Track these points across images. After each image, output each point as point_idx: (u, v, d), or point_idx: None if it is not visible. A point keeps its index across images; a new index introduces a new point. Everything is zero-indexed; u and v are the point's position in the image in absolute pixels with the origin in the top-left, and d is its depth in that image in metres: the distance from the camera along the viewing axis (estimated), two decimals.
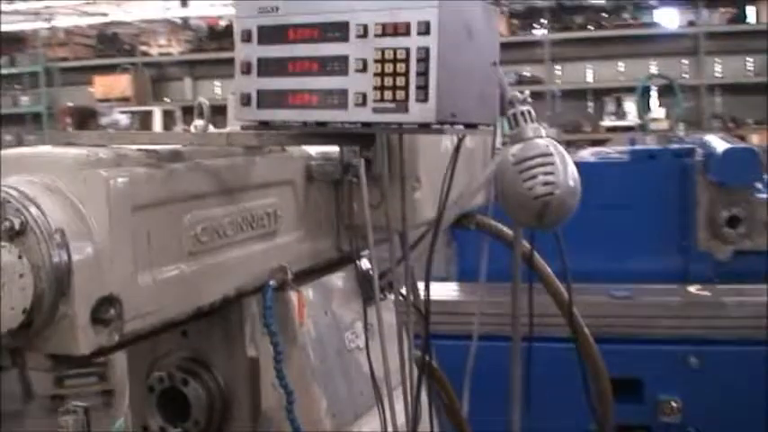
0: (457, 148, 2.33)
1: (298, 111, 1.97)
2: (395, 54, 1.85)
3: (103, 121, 18.48)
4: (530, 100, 2.30)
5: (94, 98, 21.00)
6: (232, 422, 2.26)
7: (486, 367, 3.22)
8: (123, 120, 18.82)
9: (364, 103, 1.89)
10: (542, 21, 20.53)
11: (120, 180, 1.78)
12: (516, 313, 2.85)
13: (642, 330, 4.98)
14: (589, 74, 20.31)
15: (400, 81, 1.85)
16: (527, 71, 19.90)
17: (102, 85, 21.29)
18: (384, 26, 1.86)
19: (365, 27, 1.88)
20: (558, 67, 20.42)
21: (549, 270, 3.10)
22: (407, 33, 1.84)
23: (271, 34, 1.99)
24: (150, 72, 22.19)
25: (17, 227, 1.61)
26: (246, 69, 2.01)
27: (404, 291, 2.53)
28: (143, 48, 22.54)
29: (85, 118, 18.79)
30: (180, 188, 1.96)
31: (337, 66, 1.91)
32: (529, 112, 2.25)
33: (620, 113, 19.35)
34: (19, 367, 1.73)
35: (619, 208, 5.56)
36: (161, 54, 22.45)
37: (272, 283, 2.15)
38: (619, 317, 4.98)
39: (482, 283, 3.00)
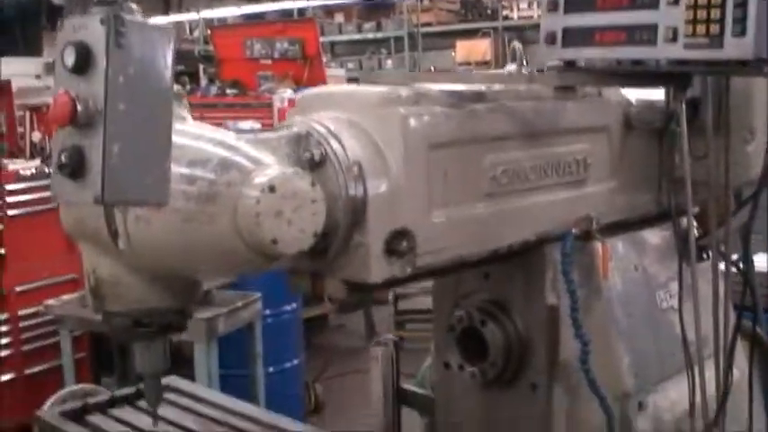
0: None
1: (603, 48, 1.87)
2: None
3: None
4: None
5: (455, 61, 21.71)
6: (529, 369, 2.24)
7: None
8: None
9: (675, 39, 1.74)
10: None
11: (417, 118, 1.82)
12: None
13: None
14: None
15: (715, 13, 1.68)
16: None
17: (464, 49, 21.93)
18: None
19: None
20: None
21: None
22: None
23: None
24: (510, 35, 22.44)
25: (317, 158, 1.71)
26: (553, 6, 1.94)
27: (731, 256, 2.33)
28: (505, 12, 22.84)
29: None
30: (480, 129, 1.95)
31: None
32: None
33: None
34: (318, 293, 1.84)
35: None
36: (521, 17, 22.61)
37: (574, 230, 2.08)
38: None
39: None
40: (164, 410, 2.60)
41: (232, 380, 5.67)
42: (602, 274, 2.17)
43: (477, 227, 1.94)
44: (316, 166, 1.72)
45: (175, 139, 1.55)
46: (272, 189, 1.59)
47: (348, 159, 1.74)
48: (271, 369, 6.36)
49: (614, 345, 2.18)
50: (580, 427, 2.20)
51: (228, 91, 11.08)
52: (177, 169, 1.61)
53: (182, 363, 4.57)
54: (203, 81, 13.49)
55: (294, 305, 6.72)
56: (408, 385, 2.76)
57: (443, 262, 1.90)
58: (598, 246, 2.17)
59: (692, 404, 2.22)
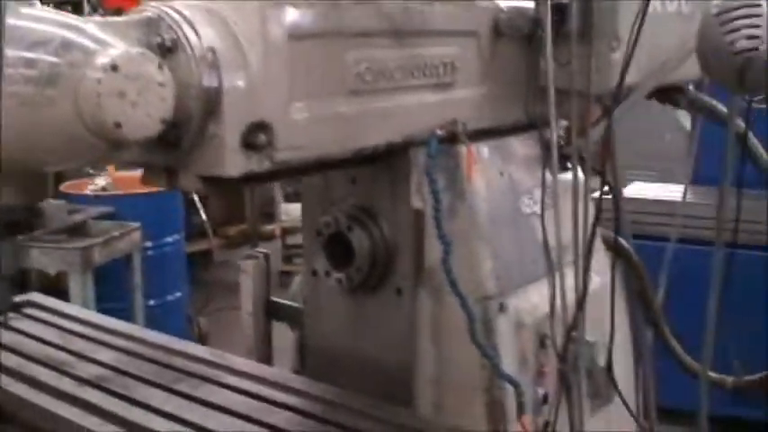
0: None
1: None
2: None
3: None
4: None
5: None
6: (394, 274, 2.24)
7: (685, 272, 3.04)
8: None
9: None
10: None
11: (277, 7, 1.76)
12: (722, 215, 2.55)
13: None
14: None
15: None
16: None
17: None
18: None
19: None
20: None
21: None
22: None
23: None
24: None
25: (168, 43, 1.64)
26: None
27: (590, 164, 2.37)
28: None
29: None
30: (345, 22, 1.91)
31: None
32: None
33: None
34: (173, 187, 1.78)
35: None
36: None
37: (439, 132, 2.08)
38: None
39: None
40: (22, 323, 2.52)
41: (111, 313, 5.54)
42: (467, 177, 2.17)
43: (340, 124, 1.91)
44: (167, 51, 1.64)
45: (17, 22, 1.47)
46: (114, 68, 1.51)
47: (202, 47, 1.67)
48: (152, 302, 6.27)
49: (477, 248, 2.20)
50: (444, 329, 2.22)
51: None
52: (17, 53, 1.52)
53: (57, 295, 4.39)
54: (87, 9, 12.97)
55: (176, 236, 6.62)
56: (278, 299, 2.74)
57: (304, 159, 1.86)
58: (463, 149, 2.17)
59: (552, 307, 2.27)
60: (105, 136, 1.54)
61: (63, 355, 2.24)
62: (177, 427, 1.81)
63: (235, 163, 1.71)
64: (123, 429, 1.80)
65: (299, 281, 2.83)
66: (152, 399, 1.97)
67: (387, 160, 2.17)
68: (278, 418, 1.87)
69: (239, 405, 1.94)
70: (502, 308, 2.21)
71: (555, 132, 2.28)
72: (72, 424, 1.84)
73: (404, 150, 2.16)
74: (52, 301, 2.71)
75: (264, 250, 2.70)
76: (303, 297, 2.52)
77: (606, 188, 2.38)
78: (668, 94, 2.80)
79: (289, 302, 2.72)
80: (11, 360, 2.20)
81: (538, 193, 2.38)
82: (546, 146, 2.34)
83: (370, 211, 2.24)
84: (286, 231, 8.49)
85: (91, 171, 6.64)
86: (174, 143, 1.69)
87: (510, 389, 2.15)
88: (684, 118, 7.57)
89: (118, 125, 1.52)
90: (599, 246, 2.59)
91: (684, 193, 3.29)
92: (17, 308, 2.62)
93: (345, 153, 1.97)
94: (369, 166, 2.21)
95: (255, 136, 1.73)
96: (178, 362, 2.23)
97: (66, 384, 2.05)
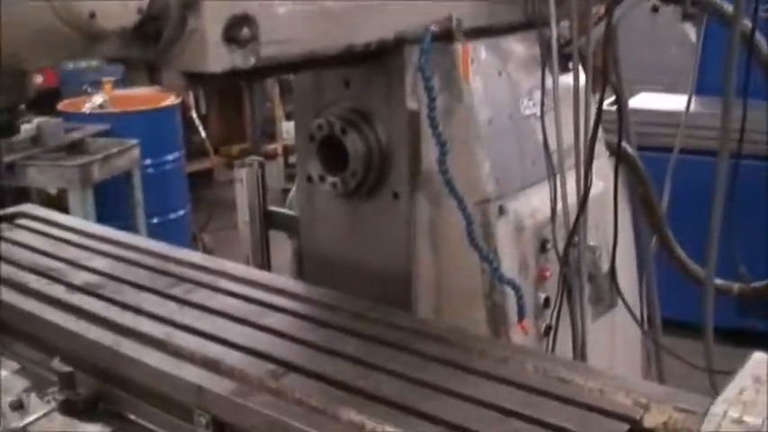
0: None
1: None
2: None
3: None
4: None
5: None
6: (390, 178, 2.18)
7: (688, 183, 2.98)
8: None
9: None
10: None
11: None
12: (727, 125, 2.48)
13: None
14: None
15: None
16: None
17: None
18: None
19: None
20: None
21: None
22: None
23: None
24: None
25: None
26: None
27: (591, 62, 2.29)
28: None
29: None
30: None
31: None
32: None
33: None
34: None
35: None
36: None
37: (432, 28, 1.99)
38: None
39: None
40: (13, 233, 2.48)
41: None
42: (463, 76, 2.10)
43: (327, 18, 1.83)
44: None
45: None
46: None
47: None
48: (155, 220, 6.25)
49: (475, 150, 2.13)
50: (443, 234, 2.17)
51: None
52: None
53: None
54: None
55: (176, 154, 6.56)
56: (275, 207, 2.70)
57: (291, 54, 1.78)
58: (459, 48, 2.09)
59: (553, 211, 2.22)
60: (80, 27, 1.47)
61: (55, 263, 2.20)
62: (168, 329, 1.77)
63: (218, 58, 1.64)
64: (112, 332, 1.77)
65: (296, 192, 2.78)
66: (144, 303, 1.93)
67: (381, 60, 2.09)
68: (273, 319, 1.84)
69: (234, 308, 1.91)
70: (501, 211, 2.16)
71: (555, 31, 2.20)
72: (59, 328, 1.81)
73: (398, 50, 2.08)
74: (44, 212, 2.66)
75: (258, 158, 2.64)
76: (298, 204, 2.47)
77: (609, 90, 2.31)
78: None
79: (286, 211, 2.68)
80: (2, 269, 2.16)
81: (538, 95, 2.30)
82: (546, 45, 2.26)
83: (365, 113, 2.17)
84: (288, 150, 8.42)
85: (88, 89, 6.56)
86: (154, 37, 1.61)
87: (510, 293, 2.11)
88: (691, 30, 7.41)
89: (92, 15, 1.44)
90: (602, 151, 2.53)
91: (688, 103, 3.22)
92: (10, 219, 2.58)
93: (334, 49, 1.89)
94: (362, 66, 2.13)
95: (238, 29, 1.65)
96: (173, 268, 2.19)
97: (58, 290, 2.02)
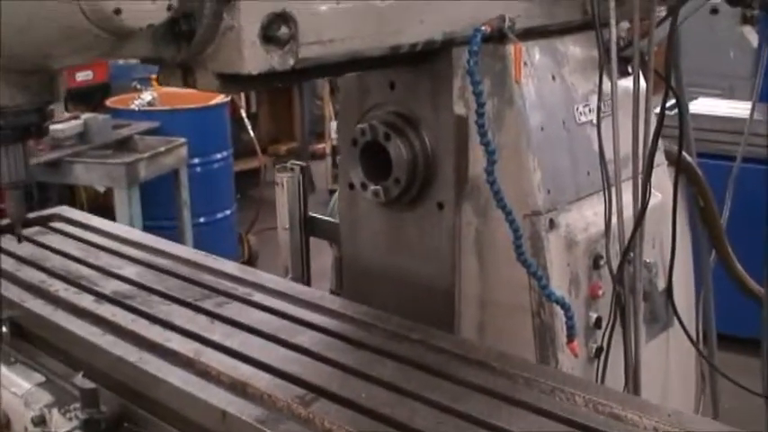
0: None
1: None
2: None
3: None
4: None
5: None
6: (435, 186, 2.08)
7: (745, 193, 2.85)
8: None
9: None
10: None
11: None
12: None
13: None
14: None
15: None
16: None
17: None
18: None
19: None
20: None
21: None
22: None
23: None
24: None
25: None
26: None
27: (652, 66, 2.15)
28: None
29: None
30: None
31: None
32: None
33: None
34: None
35: None
36: None
37: (483, 28, 1.88)
38: None
39: None
40: (46, 238, 2.42)
41: (159, 230, 5.52)
42: (515, 79, 1.98)
43: (371, 17, 1.72)
44: None
45: None
46: None
47: None
48: (202, 219, 6.23)
49: (525, 158, 2.01)
50: (489, 246, 2.06)
51: None
52: None
53: (104, 213, 4.34)
54: None
55: (224, 153, 6.53)
56: (316, 214, 2.60)
57: (333, 55, 1.68)
58: (511, 50, 1.98)
59: (607, 225, 2.10)
60: (106, 25, 1.38)
61: (86, 270, 2.13)
62: (196, 345, 1.68)
63: (255, 59, 1.55)
64: (138, 348, 1.69)
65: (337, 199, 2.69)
66: (174, 316, 1.85)
67: (428, 62, 1.99)
68: (305, 337, 1.74)
69: (266, 324, 1.82)
70: (552, 224, 2.04)
71: (614, 32, 2.07)
72: (84, 341, 1.74)
73: (446, 51, 1.97)
74: (79, 214, 2.60)
75: (300, 163, 2.54)
76: (339, 212, 2.37)
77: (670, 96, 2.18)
78: None
79: (327, 218, 2.59)
80: (31, 275, 2.10)
81: (594, 100, 2.17)
82: (604, 48, 2.13)
83: (410, 118, 2.07)
84: (336, 150, 8.34)
85: (137, 85, 6.55)
86: (187, 36, 1.53)
87: (560, 312, 1.99)
88: (751, 34, 7.21)
89: (117, 11, 1.36)
90: (660, 160, 2.39)
91: (752, 110, 3.07)
92: (44, 221, 2.52)
93: (378, 50, 1.78)
94: (408, 68, 2.03)
95: (277, 28, 1.56)
96: (207, 278, 2.11)
97: (86, 300, 1.95)
